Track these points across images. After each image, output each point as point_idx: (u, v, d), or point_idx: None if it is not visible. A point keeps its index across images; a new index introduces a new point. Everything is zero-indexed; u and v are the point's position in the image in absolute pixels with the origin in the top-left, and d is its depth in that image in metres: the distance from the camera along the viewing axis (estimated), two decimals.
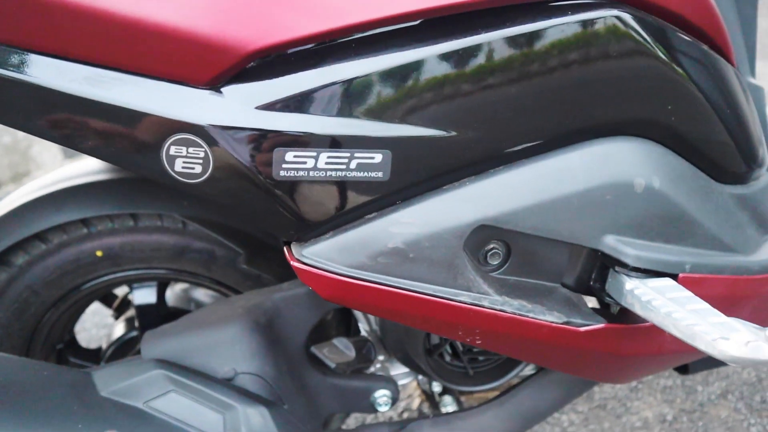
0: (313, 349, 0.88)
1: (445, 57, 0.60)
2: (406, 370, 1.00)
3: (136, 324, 1.07)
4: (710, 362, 0.96)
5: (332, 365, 0.85)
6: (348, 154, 0.60)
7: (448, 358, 0.95)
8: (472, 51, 0.61)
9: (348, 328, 1.05)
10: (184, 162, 0.59)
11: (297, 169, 0.59)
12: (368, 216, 0.64)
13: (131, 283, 1.05)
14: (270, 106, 0.58)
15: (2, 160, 2.70)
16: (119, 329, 1.12)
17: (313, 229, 0.63)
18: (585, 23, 0.63)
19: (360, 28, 0.58)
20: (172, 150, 0.58)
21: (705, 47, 0.74)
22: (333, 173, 0.60)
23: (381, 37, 0.60)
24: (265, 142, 0.58)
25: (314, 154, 0.59)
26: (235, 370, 0.79)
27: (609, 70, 0.66)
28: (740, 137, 0.79)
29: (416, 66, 0.60)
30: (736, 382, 1.42)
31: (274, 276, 0.96)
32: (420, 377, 1.01)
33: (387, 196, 0.63)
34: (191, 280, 1.02)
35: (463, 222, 0.65)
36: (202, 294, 1.14)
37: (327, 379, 0.90)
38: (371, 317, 0.95)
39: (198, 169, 0.59)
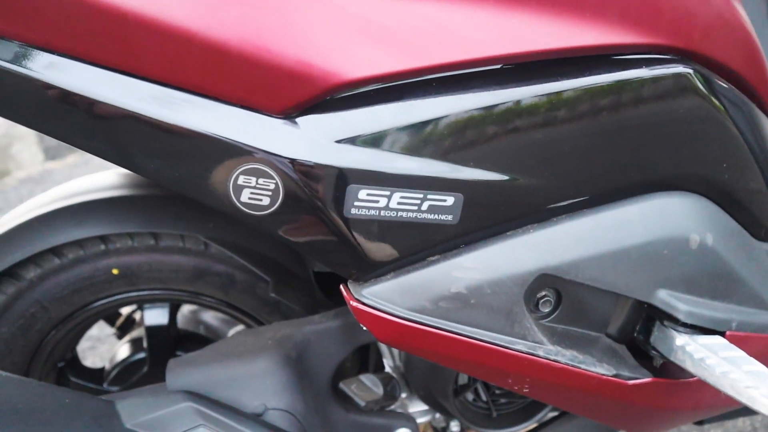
0: (342, 386, 0.85)
1: (519, 103, 0.59)
2: (424, 407, 0.98)
3: (144, 345, 1.03)
4: (726, 415, 0.96)
5: (362, 403, 0.83)
6: (421, 196, 0.58)
7: (471, 398, 0.94)
8: (544, 99, 0.60)
9: (365, 362, 1.03)
10: (252, 192, 0.56)
11: (369, 208, 0.57)
12: (431, 258, 0.62)
13: (143, 303, 1.01)
14: (347, 141, 0.56)
15: None
16: (124, 350, 1.07)
17: (375, 269, 0.61)
18: (654, 79, 0.63)
19: (442, 68, 0.57)
20: (241, 179, 0.56)
21: (755, 106, 0.75)
22: (404, 214, 0.58)
23: (461, 79, 0.58)
24: (340, 177, 0.56)
25: (388, 193, 0.57)
26: (265, 406, 0.76)
27: (673, 126, 0.66)
28: None
29: (492, 110, 0.59)
30: (731, 430, 1.43)
31: (299, 305, 0.93)
32: (437, 416, 0.99)
33: (453, 240, 0.61)
34: (206, 304, 0.99)
35: (526, 270, 0.63)
36: (211, 317, 1.10)
37: (349, 415, 0.87)
38: (396, 353, 0.93)
39: (266, 201, 0.57)
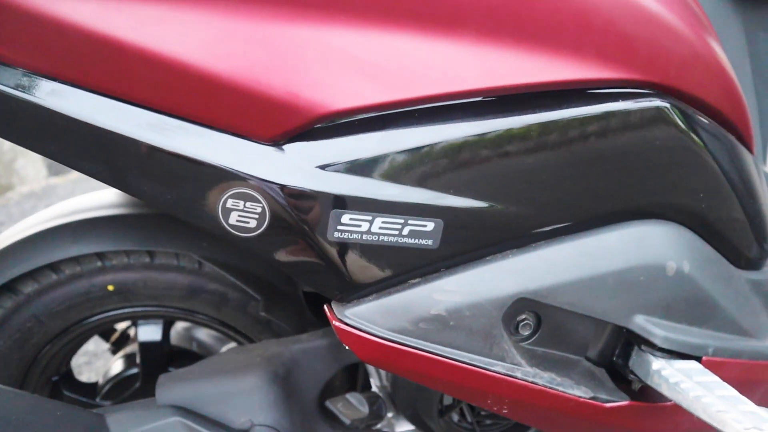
0: (328, 404, 0.87)
1: (498, 134, 0.62)
2: (409, 427, 0.99)
3: (137, 360, 1.05)
4: None
5: (347, 422, 0.84)
6: (402, 221, 0.60)
7: (456, 419, 0.95)
8: (523, 130, 0.63)
9: (353, 381, 1.04)
10: (239, 215, 0.59)
11: (351, 232, 0.60)
12: (412, 281, 0.64)
13: (137, 319, 1.03)
14: (331, 168, 0.58)
15: None
16: (118, 365, 1.09)
17: (357, 290, 0.63)
18: (631, 112, 0.66)
19: (424, 101, 0.60)
20: (229, 203, 0.58)
21: (734, 138, 0.78)
22: (385, 238, 0.61)
23: (442, 110, 0.61)
24: (324, 202, 0.58)
25: (370, 218, 0.60)
26: (251, 422, 0.78)
27: (650, 157, 0.68)
28: (757, 223, 0.82)
29: (472, 140, 0.61)
30: None
31: (289, 324, 0.95)
32: None
33: (434, 263, 0.64)
34: (199, 321, 1.01)
35: (505, 294, 0.65)
36: (204, 334, 1.12)
37: None
38: (383, 373, 0.94)
39: (253, 223, 0.59)
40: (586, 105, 0.64)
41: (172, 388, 0.80)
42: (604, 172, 0.66)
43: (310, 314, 0.96)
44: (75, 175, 2.89)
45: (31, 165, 2.77)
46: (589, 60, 0.63)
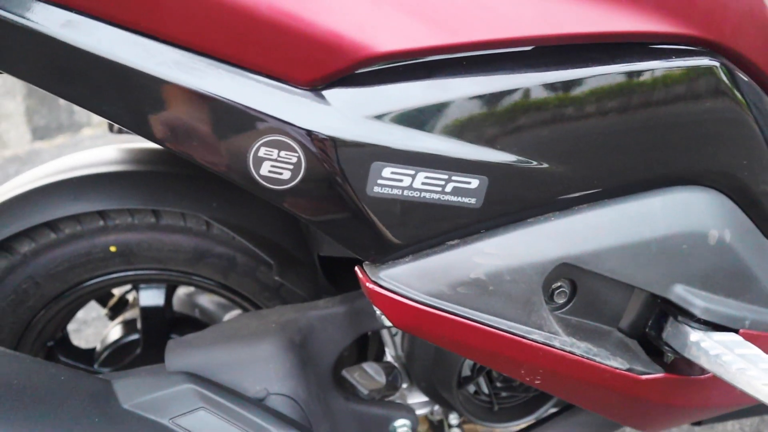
0: (344, 373, 0.83)
1: (549, 87, 0.58)
2: (422, 399, 0.96)
3: (138, 326, 1.01)
4: (730, 415, 0.96)
5: (365, 391, 0.81)
6: (446, 177, 0.56)
7: (472, 391, 0.92)
8: (575, 84, 0.59)
9: (362, 351, 1.01)
10: (272, 165, 0.54)
11: (392, 187, 0.56)
12: (450, 243, 0.61)
13: (138, 283, 0.98)
14: (374, 117, 0.54)
15: None
16: (117, 331, 1.04)
17: (394, 251, 0.60)
18: (683, 69, 0.62)
19: (473, 47, 0.55)
20: (262, 151, 0.54)
21: None
22: (427, 195, 0.57)
23: (492, 59, 0.57)
24: (365, 154, 0.54)
25: (413, 172, 0.56)
26: (267, 390, 0.74)
27: (698, 119, 0.65)
28: None
29: (522, 93, 0.57)
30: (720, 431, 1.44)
31: (302, 290, 0.91)
32: (436, 408, 0.98)
33: (475, 224, 0.60)
34: (203, 286, 0.96)
35: (547, 258, 0.62)
36: (207, 300, 1.08)
37: (349, 404, 0.85)
38: (398, 342, 0.91)
39: (286, 175, 0.55)
40: (639, 60, 0.61)
41: (183, 354, 0.75)
42: (652, 132, 0.63)
43: (324, 280, 0.92)
44: (61, 140, 2.80)
45: (14, 129, 2.67)
46: (646, 11, 0.60)
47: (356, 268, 0.62)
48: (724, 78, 0.64)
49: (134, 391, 0.70)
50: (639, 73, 0.60)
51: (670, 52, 0.62)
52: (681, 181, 0.68)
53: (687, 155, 0.66)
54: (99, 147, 1.00)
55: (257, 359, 0.75)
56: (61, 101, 2.77)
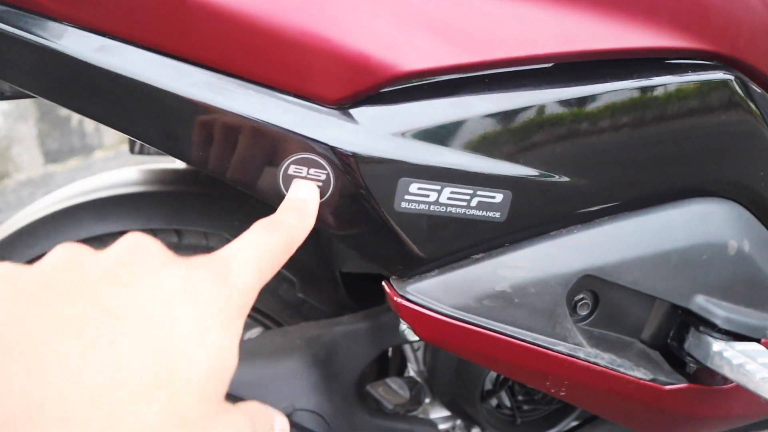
0: (369, 388, 0.84)
1: (568, 102, 0.59)
2: (445, 413, 0.96)
3: None
4: (753, 426, 0.96)
5: (390, 406, 0.82)
6: (471, 191, 0.58)
7: (494, 405, 0.93)
8: (593, 99, 0.60)
9: (383, 367, 1.02)
10: None
11: (419, 202, 0.57)
12: (476, 257, 0.62)
13: None
14: (400, 134, 0.55)
15: None
16: None
17: (420, 266, 0.61)
18: (699, 83, 0.63)
19: (495, 64, 0.57)
20: (291, 169, 0.55)
21: None
22: (453, 209, 0.58)
23: (513, 77, 0.58)
24: (393, 170, 0.55)
25: (438, 187, 0.57)
26: (293, 406, 0.75)
27: (717, 131, 0.66)
28: None
29: (543, 108, 0.59)
30: None
31: (325, 306, 0.92)
32: (458, 422, 0.98)
33: (499, 238, 0.61)
34: None
35: (570, 270, 0.63)
36: None
37: (373, 420, 0.86)
38: (420, 357, 0.92)
39: None
40: (655, 75, 0.62)
41: None
42: (668, 145, 0.64)
43: (346, 296, 0.92)
44: (73, 162, 2.83)
45: (26, 152, 2.70)
46: (662, 27, 0.61)
47: (383, 283, 0.63)
48: (739, 91, 0.65)
49: None
50: (655, 87, 0.62)
51: (686, 66, 0.63)
52: (699, 193, 0.69)
53: (704, 168, 0.67)
54: (119, 168, 1.01)
55: (283, 375, 0.76)
56: (73, 124, 2.80)
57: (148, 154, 1.00)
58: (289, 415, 0.74)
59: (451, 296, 0.61)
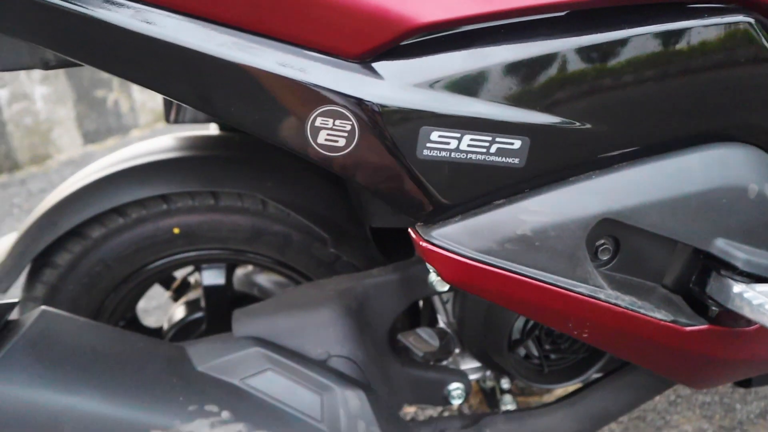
0: (400, 337, 0.88)
1: (585, 50, 0.61)
2: (475, 365, 1.00)
3: (202, 304, 1.07)
4: None
5: (420, 354, 0.85)
6: (490, 138, 0.60)
7: (522, 355, 0.95)
8: (611, 46, 0.61)
9: (413, 319, 1.05)
10: (328, 134, 0.59)
11: (440, 150, 0.60)
12: (497, 202, 0.64)
13: (200, 263, 1.04)
14: (420, 85, 0.58)
15: (23, 142, 2.67)
16: (180, 311, 1.11)
17: (444, 211, 0.63)
18: (717, 27, 0.64)
19: (511, 14, 0.59)
20: (318, 121, 0.58)
21: None
22: (473, 156, 0.60)
23: (529, 26, 0.60)
24: (415, 120, 0.58)
25: (458, 135, 0.59)
26: (328, 353, 0.79)
27: (735, 74, 0.66)
28: None
29: (559, 56, 0.60)
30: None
31: (357, 261, 0.96)
32: (488, 373, 1.01)
33: (519, 183, 0.63)
34: (261, 263, 1.02)
35: (589, 214, 0.65)
36: (264, 279, 1.13)
37: (404, 369, 0.90)
38: (449, 309, 0.95)
39: (342, 142, 0.59)
40: (673, 20, 0.63)
41: (249, 322, 0.81)
42: (688, 89, 0.65)
43: (377, 251, 0.96)
44: (111, 142, 2.92)
45: (66, 134, 2.80)
46: None
47: (409, 229, 0.66)
48: (757, 34, 0.66)
49: (206, 355, 0.76)
50: (673, 32, 0.63)
51: (703, 10, 0.64)
52: (718, 138, 0.70)
53: (723, 111, 0.68)
54: (157, 137, 1.06)
55: (318, 324, 0.80)
56: (109, 105, 2.88)
57: (183, 122, 1.04)
58: (324, 361, 0.78)
59: (474, 240, 0.64)
